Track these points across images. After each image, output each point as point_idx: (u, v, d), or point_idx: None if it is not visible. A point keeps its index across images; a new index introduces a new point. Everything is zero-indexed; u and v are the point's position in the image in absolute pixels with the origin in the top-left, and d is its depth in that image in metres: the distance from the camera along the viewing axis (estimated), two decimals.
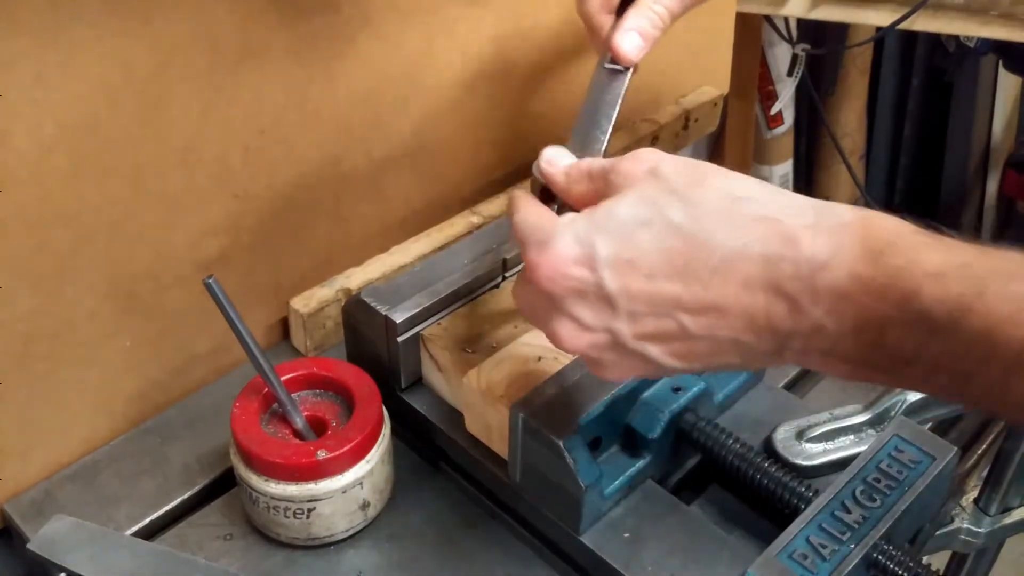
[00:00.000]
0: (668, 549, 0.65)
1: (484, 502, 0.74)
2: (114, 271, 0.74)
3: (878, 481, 0.64)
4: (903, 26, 1.32)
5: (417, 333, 0.75)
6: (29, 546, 0.66)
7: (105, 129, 0.69)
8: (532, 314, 0.55)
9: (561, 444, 0.63)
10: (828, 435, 0.74)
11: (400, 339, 0.74)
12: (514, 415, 0.65)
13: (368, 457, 0.69)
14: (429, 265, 0.79)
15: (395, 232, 0.93)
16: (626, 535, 0.66)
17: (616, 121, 0.66)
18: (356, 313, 0.77)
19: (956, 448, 0.67)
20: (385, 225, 0.93)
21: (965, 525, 0.83)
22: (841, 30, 1.75)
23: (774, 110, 1.74)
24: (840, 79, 1.86)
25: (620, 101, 0.67)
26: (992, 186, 2.03)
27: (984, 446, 0.88)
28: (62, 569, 0.65)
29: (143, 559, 0.66)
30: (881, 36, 1.78)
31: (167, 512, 0.74)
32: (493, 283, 0.79)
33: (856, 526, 0.62)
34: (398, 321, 0.73)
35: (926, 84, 1.97)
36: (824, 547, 0.60)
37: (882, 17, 1.34)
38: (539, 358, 0.70)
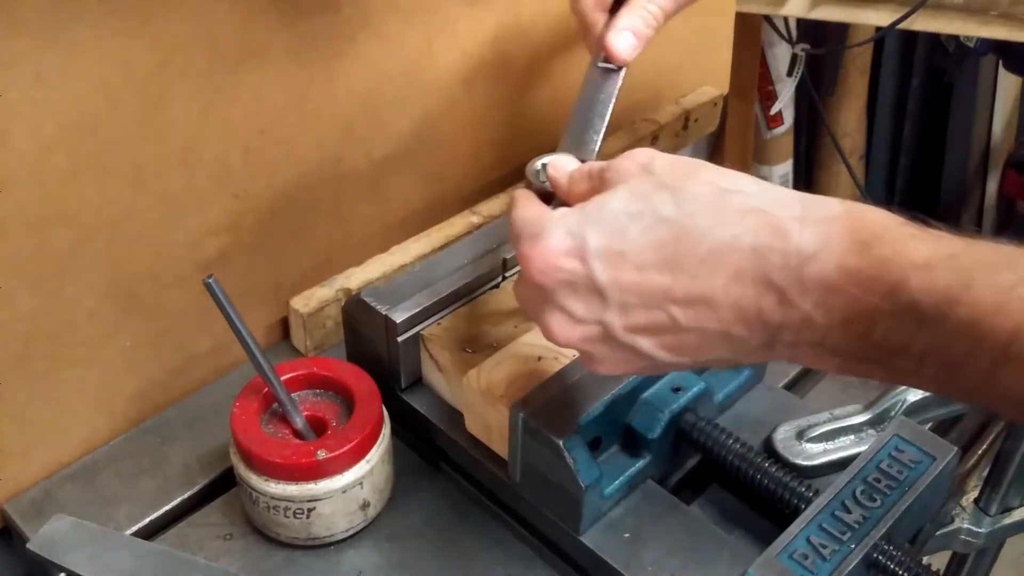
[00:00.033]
0: (668, 549, 0.65)
1: (484, 502, 0.74)
2: (114, 271, 0.74)
3: (878, 481, 0.64)
4: (903, 26, 1.32)
5: (417, 333, 0.75)
6: (29, 546, 0.66)
7: (105, 129, 0.69)
8: (527, 308, 0.56)
9: (561, 444, 0.63)
10: (828, 435, 0.74)
11: (400, 339, 0.74)
12: (514, 415, 0.65)
13: (368, 457, 0.69)
14: (429, 265, 0.79)
15: (395, 232, 0.93)
16: (626, 535, 0.66)
17: (609, 120, 0.66)
18: (356, 313, 0.77)
19: (956, 448, 0.67)
20: (385, 225, 0.93)
21: (965, 525, 0.83)
22: (841, 30, 1.75)
23: (774, 110, 1.74)
24: (840, 79, 1.86)
25: (614, 100, 0.67)
26: (992, 186, 2.03)
27: (984, 446, 0.87)
28: (62, 569, 0.65)
29: (143, 559, 0.66)
30: (881, 36, 1.77)
31: (167, 512, 0.74)
32: (493, 283, 0.79)
33: (856, 526, 0.62)
34: (398, 321, 0.73)
35: (926, 84, 1.97)
36: (824, 547, 0.60)
37: (882, 17, 1.34)
38: (539, 358, 0.70)
